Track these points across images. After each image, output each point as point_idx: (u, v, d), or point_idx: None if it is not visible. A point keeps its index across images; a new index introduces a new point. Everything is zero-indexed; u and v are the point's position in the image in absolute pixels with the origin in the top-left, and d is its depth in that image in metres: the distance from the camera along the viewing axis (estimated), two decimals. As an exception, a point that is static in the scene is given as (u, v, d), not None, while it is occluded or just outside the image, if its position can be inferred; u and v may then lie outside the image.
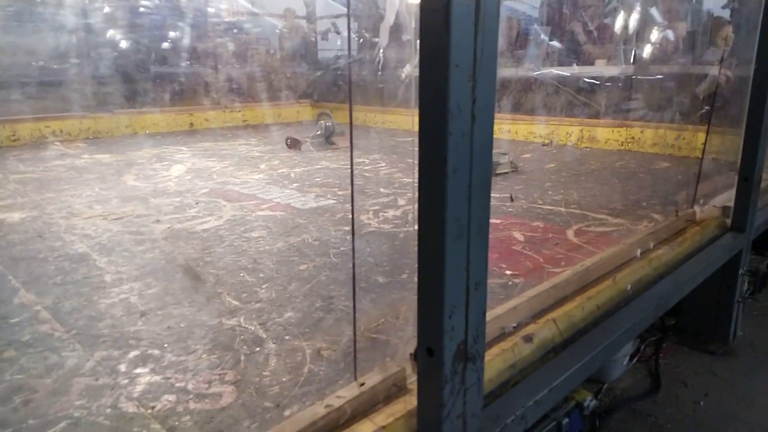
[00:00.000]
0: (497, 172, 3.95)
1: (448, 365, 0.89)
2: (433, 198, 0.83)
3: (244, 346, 1.60)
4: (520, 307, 1.41)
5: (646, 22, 5.10)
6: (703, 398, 2.26)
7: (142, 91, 6.15)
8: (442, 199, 0.81)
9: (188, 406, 1.33)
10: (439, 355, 0.88)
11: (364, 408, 1.03)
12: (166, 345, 1.60)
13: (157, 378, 1.44)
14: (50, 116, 5.49)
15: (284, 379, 1.44)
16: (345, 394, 1.03)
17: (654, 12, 5.07)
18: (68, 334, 1.66)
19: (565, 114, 5.40)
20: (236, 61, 7.06)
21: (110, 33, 6.18)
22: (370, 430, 0.94)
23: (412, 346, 1.20)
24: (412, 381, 1.15)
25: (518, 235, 2.56)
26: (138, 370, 1.47)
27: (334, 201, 3.23)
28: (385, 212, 2.97)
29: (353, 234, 2.64)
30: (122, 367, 1.49)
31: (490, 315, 1.36)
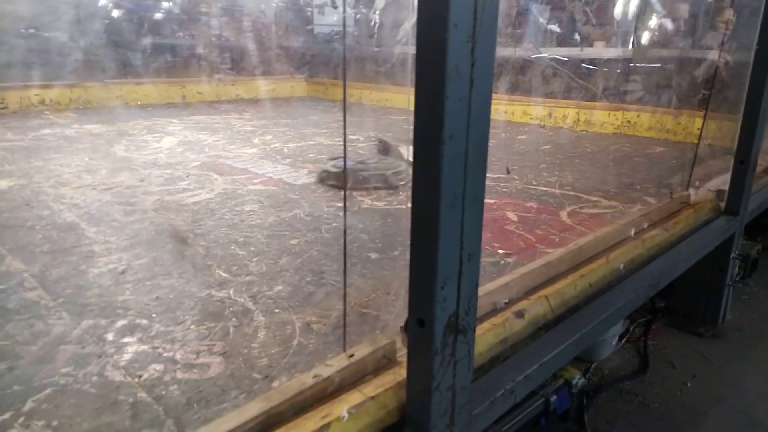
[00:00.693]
0: (391, 182, 3.01)
1: (439, 337, 0.88)
2: (428, 164, 0.81)
3: (234, 318, 1.58)
4: (512, 283, 1.40)
5: (646, 5, 5.04)
6: (691, 379, 2.27)
7: (134, 61, 6.04)
8: (437, 165, 0.79)
9: (175, 375, 1.32)
10: (430, 326, 0.87)
11: (353, 379, 1.02)
12: (154, 315, 1.58)
13: (144, 347, 1.42)
14: (40, 84, 5.39)
15: (273, 351, 1.43)
16: (334, 364, 1.02)
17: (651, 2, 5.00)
18: (55, 302, 1.63)
19: (562, 96, 5.36)
20: (230, 34, 6.94)
21: (103, 1, 6.04)
22: (359, 400, 0.93)
23: (402, 320, 1.19)
24: (402, 354, 1.14)
25: (512, 215, 2.55)
26: (125, 339, 1.46)
27: (328, 177, 3.20)
28: (379, 190, 2.95)
29: (344, 204, 2.62)
30: (109, 336, 1.47)
31: (481, 291, 1.35)
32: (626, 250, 1.75)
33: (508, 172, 3.08)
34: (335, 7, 7.08)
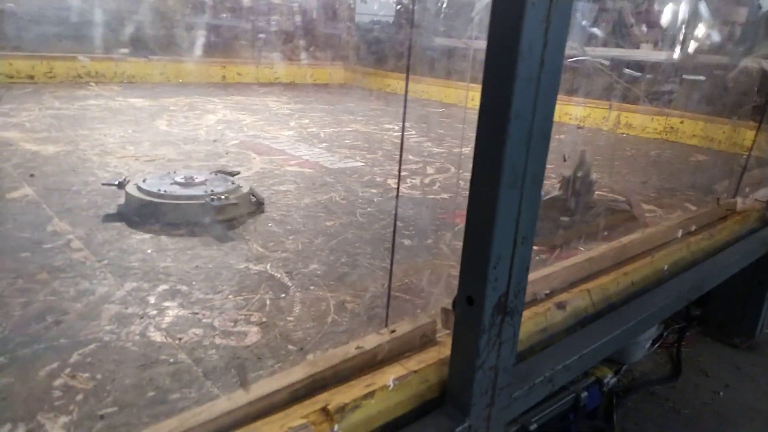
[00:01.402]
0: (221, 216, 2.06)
1: (488, 316, 0.87)
2: (491, 142, 0.80)
3: (270, 292, 1.60)
4: (553, 275, 1.39)
5: (695, 12, 4.90)
6: (724, 389, 2.23)
7: (178, 39, 6.13)
8: (501, 143, 0.79)
9: (214, 341, 1.34)
10: (479, 304, 0.86)
11: (395, 354, 1.02)
12: (194, 282, 1.61)
13: (184, 312, 1.45)
14: (88, 56, 5.52)
15: (308, 326, 1.45)
16: (376, 338, 1.03)
17: (702, 7, 4.85)
18: (100, 264, 1.68)
19: (604, 97, 5.26)
20: (273, 17, 6.99)
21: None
22: (402, 373, 0.94)
23: (439, 305, 1.19)
24: (441, 335, 1.14)
25: (549, 211, 2.52)
26: (166, 303, 1.49)
27: (362, 163, 3.21)
28: (413, 179, 2.94)
29: (399, 182, 2.60)
30: (151, 299, 1.50)
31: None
32: (671, 251, 1.71)
33: (565, 160, 2.99)
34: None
